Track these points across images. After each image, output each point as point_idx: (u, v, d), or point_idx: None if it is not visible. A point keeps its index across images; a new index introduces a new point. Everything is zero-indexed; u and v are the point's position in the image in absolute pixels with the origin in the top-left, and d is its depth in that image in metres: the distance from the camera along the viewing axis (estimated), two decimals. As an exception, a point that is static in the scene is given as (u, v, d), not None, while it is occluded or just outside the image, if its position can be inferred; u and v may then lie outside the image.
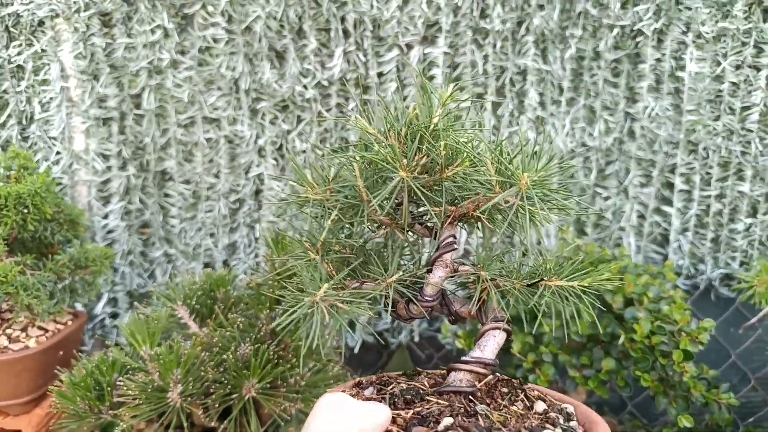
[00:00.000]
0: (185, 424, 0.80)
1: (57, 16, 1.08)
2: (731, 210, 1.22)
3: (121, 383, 0.79)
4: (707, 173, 1.21)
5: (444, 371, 0.56)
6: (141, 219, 1.23)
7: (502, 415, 0.50)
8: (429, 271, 0.56)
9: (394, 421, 0.49)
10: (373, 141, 0.54)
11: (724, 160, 1.19)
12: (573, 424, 0.52)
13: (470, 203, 0.53)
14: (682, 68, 1.16)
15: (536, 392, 0.55)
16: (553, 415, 0.52)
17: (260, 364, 0.80)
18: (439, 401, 0.51)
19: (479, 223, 0.56)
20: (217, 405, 0.81)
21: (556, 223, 1.27)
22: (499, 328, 0.55)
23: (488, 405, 0.51)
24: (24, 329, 0.97)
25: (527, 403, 0.53)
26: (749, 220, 1.21)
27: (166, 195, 1.23)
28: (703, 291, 1.28)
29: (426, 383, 0.55)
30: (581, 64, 1.20)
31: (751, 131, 1.16)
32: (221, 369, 0.81)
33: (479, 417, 0.49)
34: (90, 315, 1.21)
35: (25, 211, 0.94)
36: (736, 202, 1.21)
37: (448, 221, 0.55)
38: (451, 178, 0.53)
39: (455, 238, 0.56)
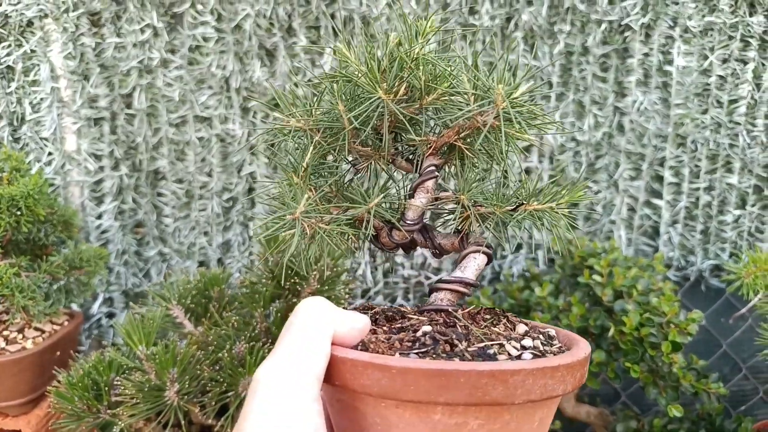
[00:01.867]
0: (183, 423, 0.81)
1: (46, 16, 1.08)
2: (720, 202, 1.24)
3: (119, 383, 0.80)
4: (696, 166, 1.22)
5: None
6: (134, 219, 1.23)
7: (481, 330, 0.50)
8: (411, 197, 0.56)
9: (374, 332, 0.49)
10: (353, 68, 0.53)
11: (713, 152, 1.21)
12: (554, 342, 0.52)
13: (450, 130, 0.53)
14: (670, 62, 1.17)
15: (518, 319, 0.55)
16: (534, 334, 0.52)
17: (255, 362, 0.80)
18: (420, 317, 0.52)
19: (461, 157, 0.56)
20: (213, 403, 0.82)
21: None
22: (479, 251, 0.55)
23: (469, 323, 0.51)
24: (21, 330, 0.98)
25: (509, 325, 0.53)
26: (738, 212, 1.23)
27: (159, 194, 1.23)
28: (693, 282, 1.29)
29: (409, 308, 0.56)
30: (570, 60, 1.20)
31: (739, 124, 1.17)
32: (217, 367, 0.82)
33: (458, 327, 0.50)
34: (86, 315, 1.22)
35: (18, 212, 0.94)
36: (725, 194, 1.23)
37: (430, 151, 0.56)
38: (432, 103, 0.53)
39: (437, 167, 0.56)
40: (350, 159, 0.57)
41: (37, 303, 0.92)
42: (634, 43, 1.17)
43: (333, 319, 0.46)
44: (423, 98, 0.52)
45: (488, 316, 0.54)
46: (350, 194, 0.56)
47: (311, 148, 0.54)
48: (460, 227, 0.56)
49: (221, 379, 0.81)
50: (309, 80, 0.60)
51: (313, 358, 0.44)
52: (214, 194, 1.22)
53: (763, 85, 1.14)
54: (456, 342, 0.47)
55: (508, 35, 1.18)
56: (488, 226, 0.55)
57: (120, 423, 0.79)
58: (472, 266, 0.55)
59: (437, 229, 0.58)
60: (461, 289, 0.54)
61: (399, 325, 0.50)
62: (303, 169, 0.54)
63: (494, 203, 0.54)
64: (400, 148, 0.58)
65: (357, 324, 0.47)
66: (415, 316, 0.52)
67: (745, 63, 1.14)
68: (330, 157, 0.57)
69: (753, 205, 1.22)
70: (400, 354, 0.46)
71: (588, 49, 1.19)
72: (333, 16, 1.13)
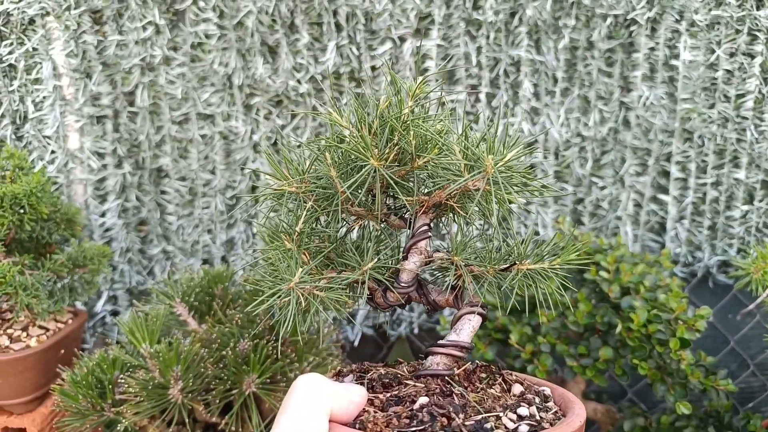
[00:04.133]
0: (187, 420, 0.80)
1: (48, 14, 1.08)
2: (727, 197, 1.22)
3: (123, 381, 0.80)
4: (703, 161, 1.21)
5: (423, 361, 0.57)
6: (138, 216, 1.23)
7: (478, 396, 0.51)
8: (405, 259, 0.57)
9: (371, 402, 0.50)
10: (345, 133, 0.55)
11: (720, 147, 1.19)
12: (549, 404, 0.53)
13: (441, 191, 0.54)
14: (676, 57, 1.16)
15: (514, 377, 0.56)
16: (529, 396, 0.53)
17: (259, 360, 0.80)
18: (417, 384, 0.52)
19: (453, 213, 0.57)
20: (217, 401, 0.82)
21: (551, 213, 1.27)
22: (474, 312, 0.56)
23: (465, 388, 0.52)
24: (25, 329, 0.98)
25: (505, 386, 0.54)
26: (746, 207, 1.22)
27: (163, 192, 1.23)
28: (700, 278, 1.28)
29: (405, 370, 0.56)
30: (575, 54, 1.19)
31: (746, 118, 1.16)
32: (221, 365, 0.82)
33: (455, 396, 0.50)
34: (90, 313, 1.21)
35: (22, 211, 0.94)
36: (733, 189, 1.22)
37: (422, 210, 0.57)
38: (422, 167, 0.54)
39: (429, 226, 0.57)
40: (343, 218, 0.58)
41: (41, 301, 0.92)
42: (640, 38, 1.16)
43: (330, 395, 0.47)
44: (414, 161, 0.54)
45: (484, 375, 0.55)
46: (343, 258, 0.57)
47: (305, 213, 0.55)
48: (454, 284, 0.57)
49: (225, 377, 0.80)
50: (299, 145, 0.62)
51: None
52: (217, 192, 1.22)
53: (770, 79, 1.13)
54: (453, 415, 0.47)
55: (513, 30, 1.17)
56: (482, 286, 0.56)
57: (124, 421, 0.78)
58: (467, 329, 0.56)
59: (431, 284, 0.59)
60: (457, 353, 0.54)
61: (396, 393, 0.51)
62: (296, 234, 0.55)
63: (487, 264, 0.55)
64: (392, 206, 0.59)
65: (354, 398, 0.48)
66: (412, 382, 0.52)
67: (753, 57, 1.13)
68: (323, 218, 0.58)
69: (761, 201, 1.21)
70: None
71: (593, 43, 1.18)
72: (335, 13, 1.12)
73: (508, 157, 0.51)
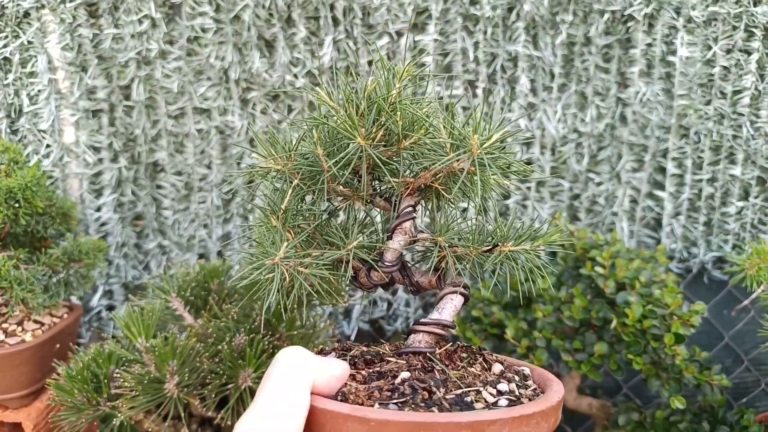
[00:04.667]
0: (183, 415, 0.80)
1: (43, 7, 1.07)
2: (723, 193, 1.23)
3: (118, 375, 0.80)
4: (699, 157, 1.22)
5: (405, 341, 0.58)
6: (134, 211, 1.23)
7: (459, 373, 0.51)
8: (389, 239, 0.58)
9: (353, 377, 0.50)
10: (332, 113, 0.55)
11: (716, 144, 1.20)
12: (529, 382, 0.53)
13: (427, 172, 0.54)
14: (673, 53, 1.16)
15: (494, 357, 0.57)
16: (509, 374, 0.54)
17: (255, 354, 0.80)
18: (398, 361, 0.53)
19: (439, 197, 0.57)
20: (213, 395, 0.82)
21: (548, 209, 1.28)
22: (456, 292, 0.56)
23: (446, 366, 0.52)
24: (20, 323, 0.97)
25: (485, 365, 0.55)
26: (741, 204, 1.22)
27: (159, 186, 1.23)
28: (695, 274, 1.29)
29: (387, 349, 0.57)
30: (572, 50, 1.19)
31: (743, 115, 1.16)
32: (217, 359, 0.82)
33: (436, 372, 0.51)
34: (86, 308, 1.21)
35: (17, 205, 0.93)
36: (728, 185, 1.22)
37: (407, 192, 0.57)
38: (409, 148, 0.54)
39: (414, 208, 0.57)
40: (329, 199, 0.59)
41: (36, 295, 0.92)
42: (637, 34, 1.16)
43: (312, 368, 0.47)
44: (400, 142, 0.54)
45: (465, 355, 0.55)
46: (328, 236, 0.57)
47: (290, 191, 0.55)
48: (437, 265, 0.57)
49: (221, 372, 0.80)
50: (291, 122, 0.62)
51: (292, 411, 0.44)
52: (213, 186, 1.22)
53: (767, 76, 1.13)
54: (434, 389, 0.48)
55: (510, 25, 1.16)
56: (465, 266, 0.56)
57: (120, 415, 0.78)
58: (450, 308, 0.56)
59: (414, 265, 0.59)
60: (439, 331, 0.55)
61: (378, 369, 0.51)
62: (281, 212, 0.55)
63: (470, 245, 0.56)
64: (378, 187, 0.59)
65: (336, 372, 0.48)
66: (394, 359, 0.53)
67: (749, 53, 1.13)
68: (308, 198, 0.58)
69: (756, 197, 1.22)
70: (379, 404, 0.46)
71: (590, 39, 1.18)
72: (332, 7, 1.12)
73: (494, 138, 0.51)
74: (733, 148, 1.19)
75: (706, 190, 1.23)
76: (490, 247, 0.56)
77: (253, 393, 0.83)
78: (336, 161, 0.52)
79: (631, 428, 1.02)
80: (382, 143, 0.54)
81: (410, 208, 0.57)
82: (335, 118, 0.54)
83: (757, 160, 1.19)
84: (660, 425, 1.00)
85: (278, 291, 0.51)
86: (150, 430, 0.83)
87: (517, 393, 0.50)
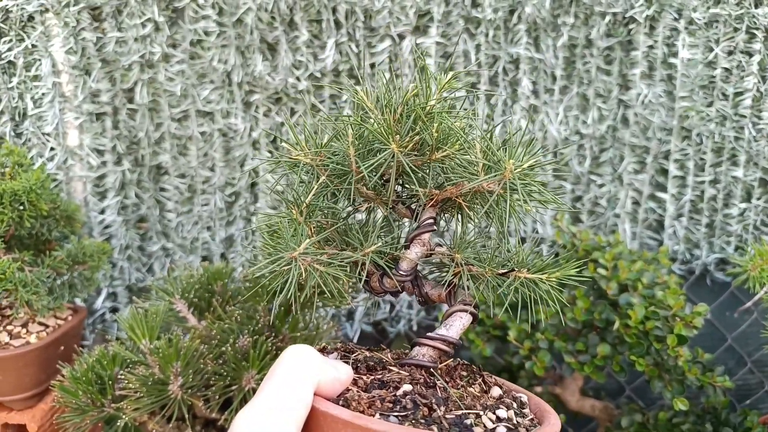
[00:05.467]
0: (187, 416, 0.81)
1: (47, 10, 1.08)
2: (725, 195, 1.23)
3: (123, 377, 0.80)
4: (701, 159, 1.22)
5: (407, 351, 0.58)
6: (137, 214, 1.23)
7: (459, 392, 0.51)
8: (407, 248, 0.57)
9: (355, 383, 0.50)
10: (369, 114, 0.55)
11: (718, 145, 1.20)
12: (526, 410, 0.53)
13: (454, 187, 0.54)
14: (675, 55, 1.16)
15: (493, 379, 0.57)
16: (508, 400, 0.53)
17: (259, 356, 0.80)
18: (401, 371, 0.53)
19: (460, 212, 0.57)
20: (217, 397, 0.82)
21: (550, 210, 1.28)
22: (465, 311, 0.56)
23: (447, 382, 0.52)
24: (24, 325, 0.98)
25: (484, 387, 0.55)
26: (743, 205, 1.22)
27: (162, 189, 1.23)
28: (698, 276, 1.29)
29: (389, 357, 0.57)
30: (574, 52, 1.20)
31: (744, 117, 1.16)
32: (220, 361, 0.82)
33: (437, 389, 0.50)
34: (90, 310, 1.22)
35: (21, 208, 0.94)
36: (730, 187, 1.22)
37: (431, 203, 0.57)
38: (440, 161, 0.54)
39: (435, 220, 0.57)
40: (352, 200, 0.58)
41: (41, 298, 0.92)
42: (639, 36, 1.16)
43: (318, 369, 0.47)
44: (433, 153, 0.54)
45: (465, 373, 0.55)
46: (348, 237, 0.57)
47: (316, 186, 0.55)
48: (450, 281, 0.57)
49: (225, 373, 0.81)
50: (320, 119, 0.62)
51: (294, 407, 0.44)
52: (216, 189, 1.22)
53: (768, 77, 1.13)
54: (435, 407, 0.48)
55: (512, 28, 1.17)
56: (478, 287, 0.56)
57: (124, 417, 0.79)
58: (457, 325, 0.56)
59: (426, 277, 0.59)
60: (444, 347, 0.55)
61: (380, 378, 0.51)
62: (305, 206, 0.55)
63: (486, 265, 0.56)
64: (401, 194, 0.59)
65: (341, 376, 0.48)
66: (396, 369, 0.53)
67: (751, 55, 1.13)
68: (331, 195, 0.58)
69: (758, 198, 1.22)
70: (380, 414, 0.46)
71: (592, 41, 1.18)
72: (334, 10, 1.12)
73: (528, 164, 0.51)
74: (735, 150, 1.19)
75: (709, 192, 1.23)
76: (506, 271, 0.56)
77: (256, 394, 0.83)
78: (368, 165, 0.52)
79: (634, 430, 1.02)
80: (414, 152, 0.54)
81: (431, 220, 0.57)
82: (372, 120, 0.54)
83: (760, 162, 1.19)
84: (663, 427, 1.00)
85: (293, 286, 0.51)
86: (154, 431, 0.84)
87: (515, 421, 0.50)
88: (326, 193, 0.57)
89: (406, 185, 0.58)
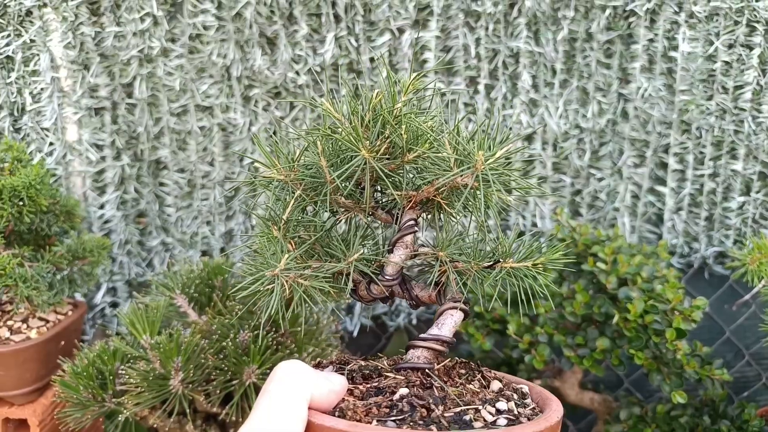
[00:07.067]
0: (188, 411, 0.81)
1: (45, 5, 1.07)
2: (725, 189, 1.23)
3: (123, 372, 0.80)
4: (700, 153, 1.22)
5: (403, 356, 0.58)
6: (137, 208, 1.23)
7: (457, 390, 0.51)
8: (390, 252, 0.57)
9: (351, 393, 0.50)
10: (337, 124, 0.55)
11: (717, 139, 1.20)
12: (527, 401, 0.54)
13: (430, 187, 0.54)
14: (675, 48, 1.16)
15: (493, 374, 0.57)
16: (508, 392, 0.53)
17: (259, 351, 0.81)
18: (397, 376, 0.53)
19: (441, 210, 0.57)
20: (218, 391, 0.83)
21: (549, 204, 1.28)
22: (456, 308, 0.56)
23: (445, 382, 0.52)
24: (25, 320, 0.98)
25: (484, 382, 0.55)
26: (742, 199, 1.22)
27: (162, 184, 1.23)
28: (697, 269, 1.29)
29: (386, 363, 0.57)
30: (574, 46, 1.19)
31: (744, 110, 1.16)
32: (221, 356, 0.82)
33: (435, 389, 0.51)
34: (90, 305, 1.22)
35: (21, 203, 0.94)
36: (730, 180, 1.22)
37: (409, 205, 0.57)
38: (413, 161, 0.54)
39: (416, 221, 0.57)
40: (331, 210, 0.58)
41: (41, 293, 0.92)
42: (639, 29, 1.16)
43: (310, 383, 0.47)
44: (405, 155, 0.54)
45: (463, 371, 0.55)
46: (329, 248, 0.57)
47: (292, 202, 0.55)
48: (437, 280, 0.57)
49: (225, 368, 0.81)
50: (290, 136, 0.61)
51: (290, 424, 0.44)
52: (216, 183, 1.22)
53: (768, 71, 1.13)
54: (432, 407, 0.48)
55: (511, 21, 1.16)
56: (466, 282, 0.56)
57: (125, 411, 0.79)
58: (449, 323, 0.56)
59: (414, 280, 0.59)
60: (438, 347, 0.55)
61: (376, 385, 0.51)
62: (283, 222, 0.55)
63: (471, 260, 0.55)
64: (380, 200, 0.59)
65: (334, 387, 0.48)
66: (392, 375, 0.53)
67: (751, 48, 1.13)
68: (309, 208, 0.58)
69: (758, 192, 1.22)
70: (377, 421, 0.46)
71: (592, 35, 1.18)
72: (334, 4, 1.12)
73: (498, 155, 0.51)
74: (734, 143, 1.19)
75: (708, 186, 1.23)
76: (492, 263, 0.55)
77: (257, 389, 0.83)
78: (339, 173, 0.52)
79: (632, 422, 1.02)
80: (386, 156, 0.54)
81: (412, 222, 0.57)
82: (340, 130, 0.54)
83: (759, 156, 1.19)
84: (661, 419, 1.01)
85: (278, 302, 0.51)
86: (155, 426, 0.84)
87: (515, 412, 0.50)
88: (303, 206, 0.57)
89: (384, 191, 0.58)
